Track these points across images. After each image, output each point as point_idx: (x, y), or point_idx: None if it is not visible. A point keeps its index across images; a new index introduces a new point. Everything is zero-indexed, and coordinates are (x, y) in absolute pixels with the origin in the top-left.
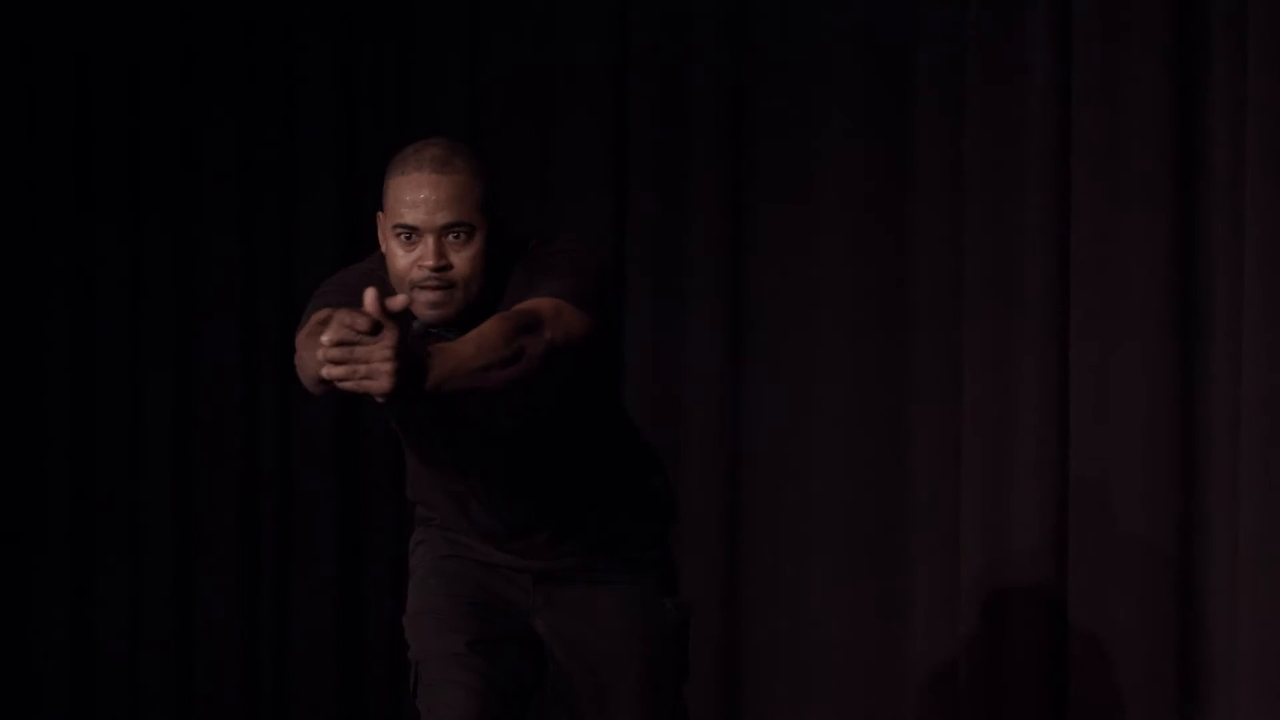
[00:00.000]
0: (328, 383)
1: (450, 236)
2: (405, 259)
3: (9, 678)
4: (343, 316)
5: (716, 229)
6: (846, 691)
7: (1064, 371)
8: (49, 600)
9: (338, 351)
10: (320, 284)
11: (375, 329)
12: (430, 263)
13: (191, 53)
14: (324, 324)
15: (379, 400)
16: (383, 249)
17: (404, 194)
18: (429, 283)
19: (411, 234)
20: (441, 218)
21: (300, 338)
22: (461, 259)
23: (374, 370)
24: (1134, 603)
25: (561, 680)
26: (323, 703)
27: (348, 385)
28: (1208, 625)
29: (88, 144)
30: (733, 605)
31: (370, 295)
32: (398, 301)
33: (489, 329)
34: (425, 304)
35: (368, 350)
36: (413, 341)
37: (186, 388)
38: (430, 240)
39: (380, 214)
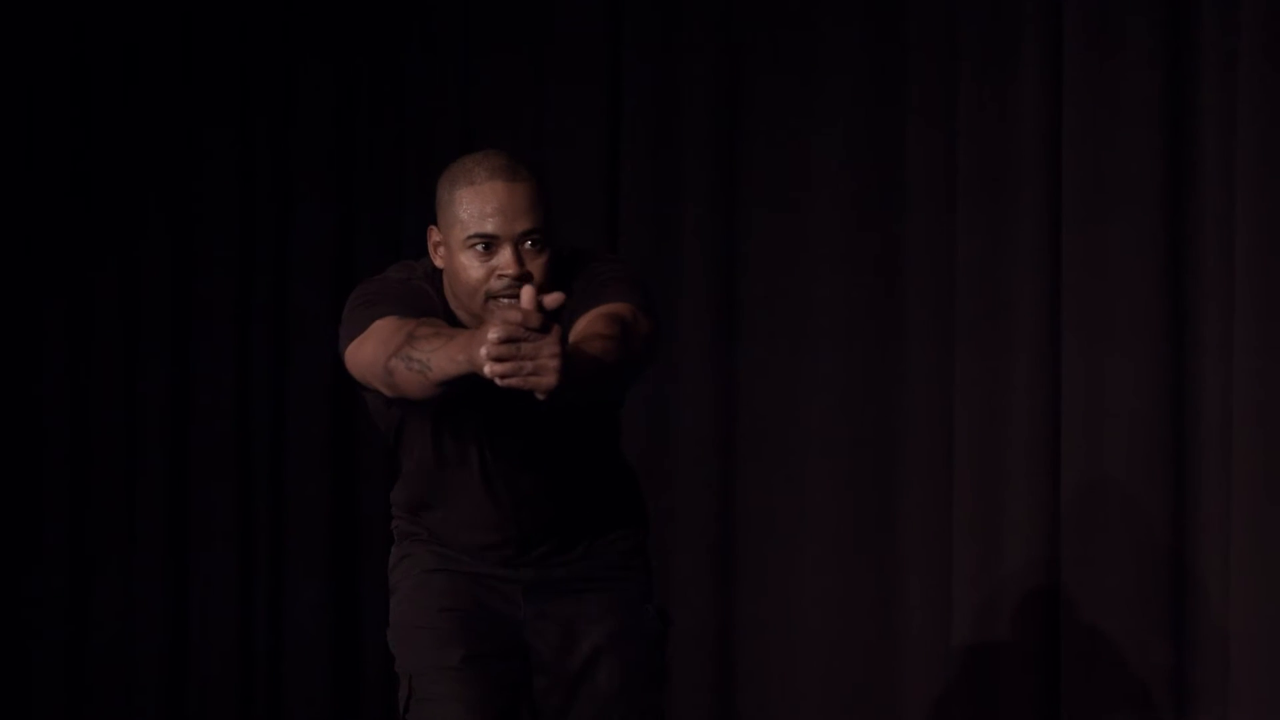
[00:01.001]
0: (446, 384)
1: (527, 244)
2: (481, 269)
3: (4, 677)
4: (508, 315)
5: (708, 240)
6: (838, 690)
7: (1055, 378)
8: (44, 599)
9: (505, 349)
10: (357, 294)
11: (545, 327)
12: (513, 271)
13: (190, 56)
14: (412, 334)
15: (540, 397)
16: (440, 263)
17: (478, 205)
18: (508, 291)
19: (490, 243)
20: (520, 225)
21: (370, 351)
22: (537, 266)
23: (541, 366)
24: (1126, 603)
25: (547, 694)
26: (316, 699)
27: (512, 381)
28: (1201, 628)
29: (85, 147)
30: (725, 608)
31: (529, 293)
32: (554, 299)
33: (600, 328)
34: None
35: (535, 347)
36: None
37: (182, 389)
38: (508, 249)
39: (433, 228)
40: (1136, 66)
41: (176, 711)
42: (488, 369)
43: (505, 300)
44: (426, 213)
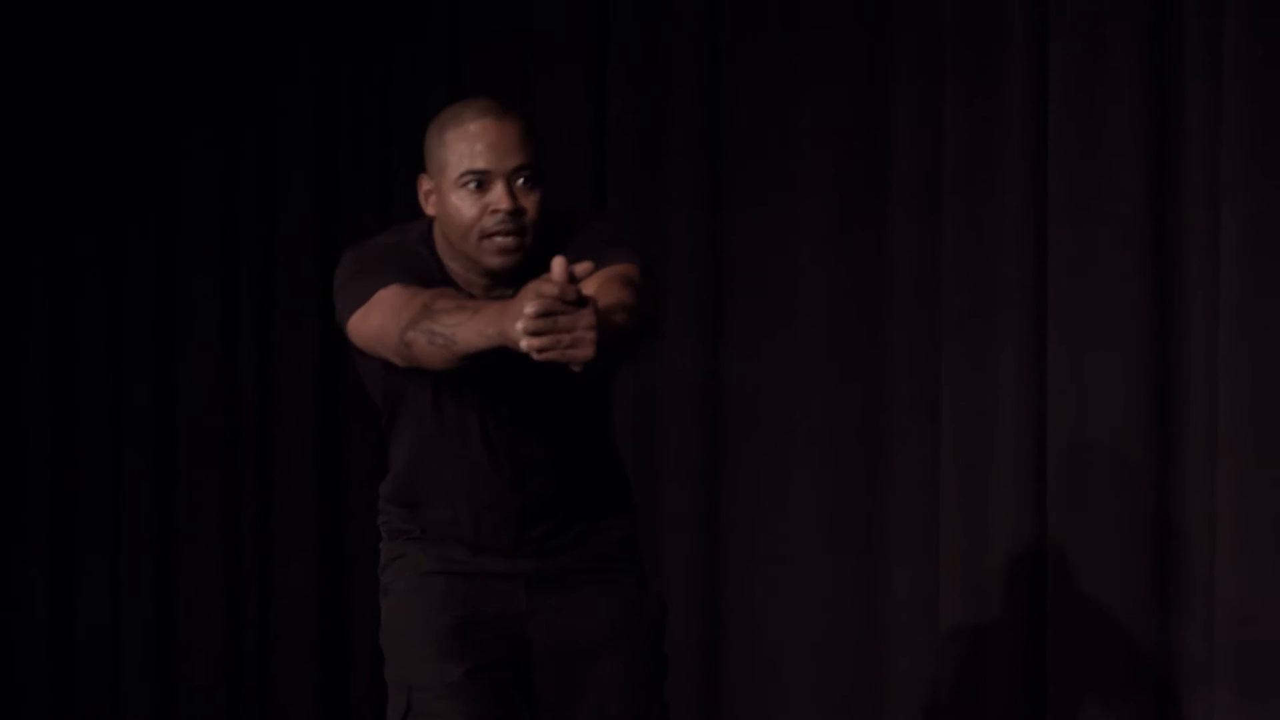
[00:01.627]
0: (470, 357)
1: (519, 180)
2: (474, 207)
3: None
4: (543, 288)
5: (694, 238)
6: (825, 683)
7: (1040, 375)
8: (28, 595)
9: (543, 322)
10: (351, 259)
11: (581, 299)
12: (506, 205)
13: (172, 58)
14: (429, 306)
15: (576, 369)
16: (432, 211)
17: (468, 143)
18: (502, 227)
19: (482, 180)
20: (512, 160)
21: (379, 321)
22: (530, 202)
23: (579, 338)
24: (1111, 597)
25: (548, 687)
26: (304, 694)
27: (550, 355)
28: (1186, 623)
29: (69, 153)
30: (711, 600)
31: (559, 264)
32: (583, 268)
33: (617, 292)
34: (496, 250)
35: (571, 319)
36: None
37: (168, 387)
38: (501, 184)
39: (423, 176)
40: (1121, 66)
41: (164, 707)
42: (525, 344)
43: (503, 238)
44: (412, 214)
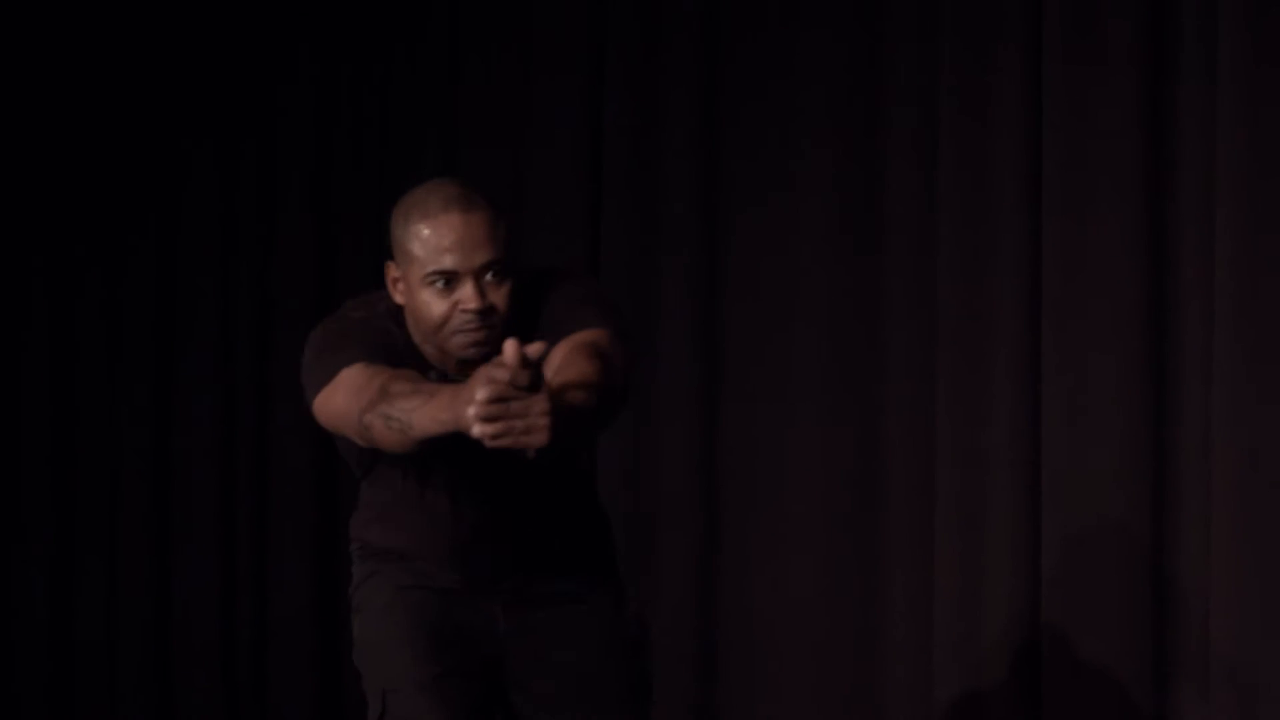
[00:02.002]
0: (426, 442)
1: (488, 276)
2: (442, 305)
3: None
4: (494, 373)
5: (691, 244)
6: (821, 695)
7: (1035, 379)
8: (26, 598)
9: (495, 408)
10: (318, 337)
11: (534, 384)
12: (475, 305)
13: (173, 61)
14: (386, 389)
15: (530, 455)
16: (400, 299)
17: (434, 239)
18: (471, 324)
19: (450, 279)
20: (479, 258)
21: (342, 403)
22: (499, 296)
23: (532, 425)
24: (1107, 602)
25: (527, 709)
26: (301, 698)
27: (502, 442)
28: (1181, 630)
29: (69, 154)
30: (707, 604)
31: (511, 346)
32: (535, 349)
33: (581, 366)
34: (466, 345)
35: (524, 406)
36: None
37: (166, 393)
38: (469, 282)
39: (390, 264)
40: (1116, 68)
41: (162, 708)
42: (477, 430)
43: (473, 333)
44: None
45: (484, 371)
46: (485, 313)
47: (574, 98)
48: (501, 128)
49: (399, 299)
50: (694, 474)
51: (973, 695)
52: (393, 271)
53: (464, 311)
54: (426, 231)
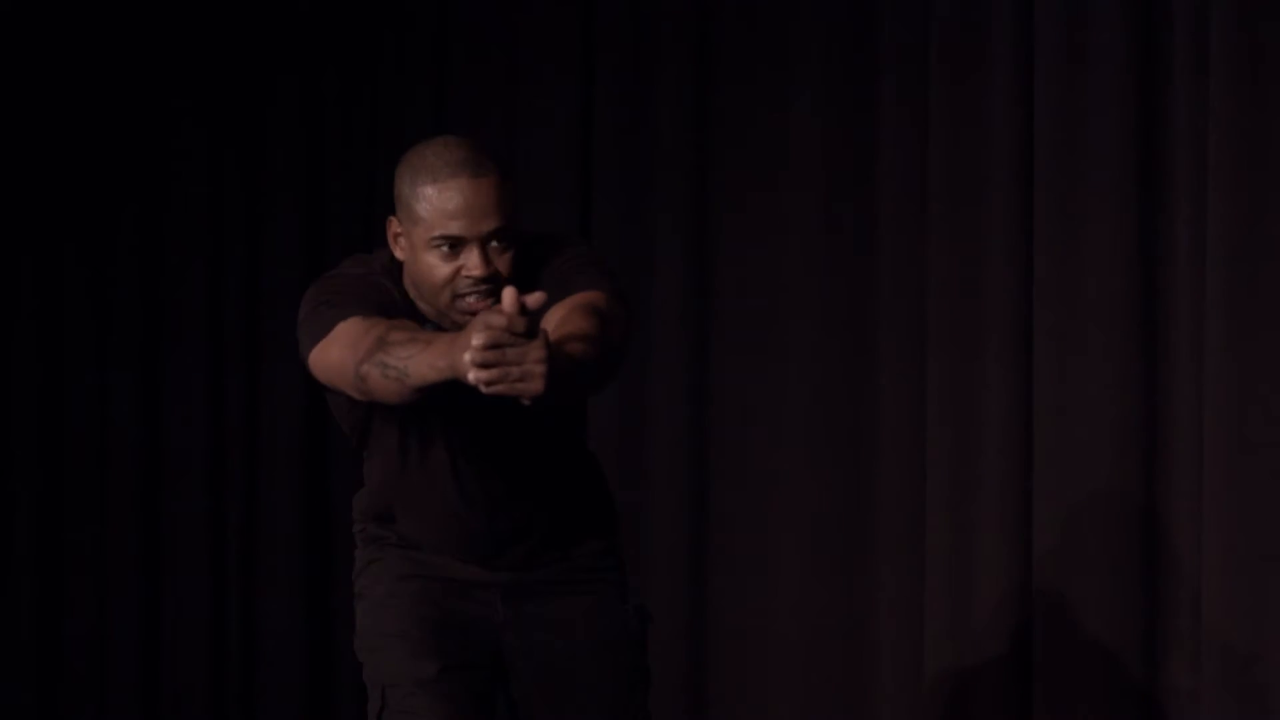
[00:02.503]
0: (423, 390)
1: (494, 243)
2: (446, 269)
3: None
4: (492, 319)
5: (682, 235)
6: (811, 693)
7: (1027, 379)
8: (14, 622)
9: (491, 354)
10: (314, 292)
11: (531, 331)
12: (480, 272)
13: (161, 62)
14: (383, 338)
15: (526, 403)
16: (401, 256)
17: (440, 203)
18: (476, 290)
19: (455, 244)
20: (486, 225)
21: (338, 355)
22: (504, 262)
23: (528, 372)
24: (1099, 601)
25: (526, 699)
26: (290, 712)
27: (498, 388)
28: (1172, 625)
29: (54, 156)
30: (698, 609)
31: (510, 294)
32: (536, 299)
33: (579, 322)
34: (468, 310)
35: (520, 353)
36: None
37: (153, 401)
38: (475, 249)
39: (393, 219)
40: (1108, 69)
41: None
42: (472, 376)
43: (477, 299)
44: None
45: (482, 318)
46: (490, 279)
47: (562, 97)
48: (489, 125)
49: (399, 254)
50: (683, 466)
51: (964, 675)
52: (394, 227)
53: (468, 277)
54: (434, 194)
